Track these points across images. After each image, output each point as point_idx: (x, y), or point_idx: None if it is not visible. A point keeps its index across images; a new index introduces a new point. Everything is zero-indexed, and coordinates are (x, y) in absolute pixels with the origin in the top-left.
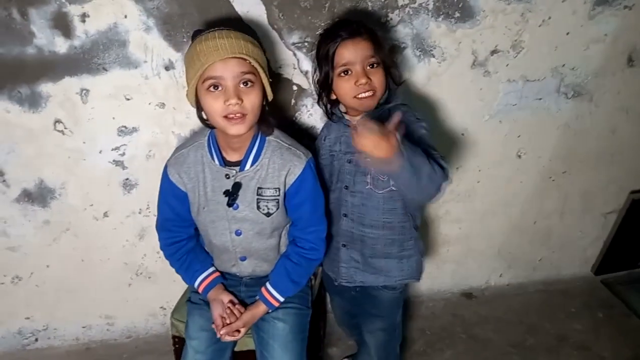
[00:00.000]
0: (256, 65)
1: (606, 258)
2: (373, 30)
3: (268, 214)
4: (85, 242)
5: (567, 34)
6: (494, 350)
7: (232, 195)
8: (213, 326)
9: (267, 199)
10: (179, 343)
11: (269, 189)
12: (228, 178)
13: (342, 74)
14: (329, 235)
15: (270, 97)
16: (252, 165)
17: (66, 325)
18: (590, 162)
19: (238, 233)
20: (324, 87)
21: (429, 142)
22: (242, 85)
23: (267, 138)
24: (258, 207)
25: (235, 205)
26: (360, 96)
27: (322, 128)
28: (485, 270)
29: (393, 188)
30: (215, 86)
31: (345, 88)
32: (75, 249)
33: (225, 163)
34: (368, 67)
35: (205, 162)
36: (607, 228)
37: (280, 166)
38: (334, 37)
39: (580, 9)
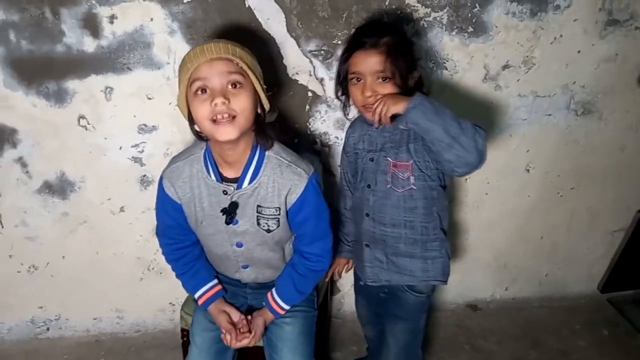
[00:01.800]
0: (244, 66)
1: (613, 276)
2: (397, 39)
3: (268, 231)
4: (101, 236)
5: (578, 52)
6: None
7: (229, 213)
8: (222, 336)
9: (267, 217)
10: (187, 336)
11: (268, 208)
12: (226, 194)
13: (354, 81)
14: (356, 234)
15: (267, 106)
16: (250, 182)
17: (78, 316)
18: (598, 179)
19: (239, 245)
20: (341, 85)
21: None
22: (230, 87)
23: (267, 153)
24: (258, 224)
25: (235, 220)
26: (367, 107)
27: (348, 127)
28: (491, 282)
29: (413, 187)
30: (203, 90)
31: (355, 95)
32: (90, 241)
33: (222, 179)
34: (378, 80)
35: (201, 177)
36: (614, 246)
37: (280, 185)
38: (355, 42)
39: (591, 28)
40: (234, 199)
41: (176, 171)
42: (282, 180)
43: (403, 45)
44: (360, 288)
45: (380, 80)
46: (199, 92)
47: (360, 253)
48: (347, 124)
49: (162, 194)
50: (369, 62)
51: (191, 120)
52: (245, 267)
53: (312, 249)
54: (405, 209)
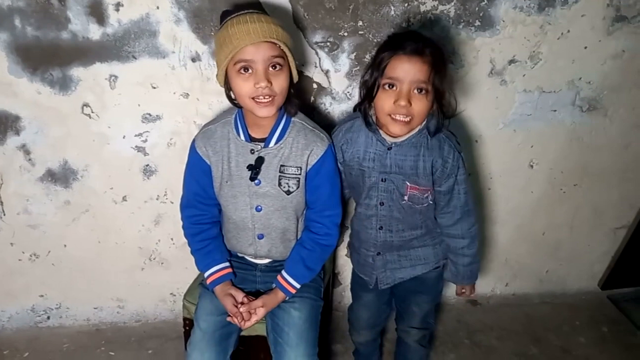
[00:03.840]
0: (285, 49)
1: (613, 274)
2: (441, 54)
3: (288, 192)
4: (103, 225)
5: (585, 48)
6: (497, 358)
7: (254, 169)
8: (228, 319)
9: (289, 177)
10: (189, 325)
11: (291, 167)
12: (253, 153)
13: (387, 87)
14: (361, 243)
15: (295, 79)
16: (276, 142)
17: (78, 305)
18: (602, 177)
19: (258, 209)
20: (368, 94)
21: (464, 212)
22: (271, 69)
23: (292, 119)
24: (279, 184)
25: (257, 181)
26: (395, 117)
27: (341, 133)
28: (492, 278)
29: (431, 202)
30: (246, 69)
31: (385, 102)
32: (92, 230)
33: (251, 139)
34: (415, 91)
35: (231, 137)
36: (615, 243)
37: (303, 146)
38: (396, 46)
39: (599, 24)
40: (260, 155)
41: (208, 132)
42: (305, 141)
43: (444, 63)
44: (365, 290)
45: (416, 91)
46: (242, 70)
47: (366, 261)
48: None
49: (193, 157)
50: (412, 69)
51: (227, 88)
52: (260, 237)
53: (322, 219)
54: (422, 215)
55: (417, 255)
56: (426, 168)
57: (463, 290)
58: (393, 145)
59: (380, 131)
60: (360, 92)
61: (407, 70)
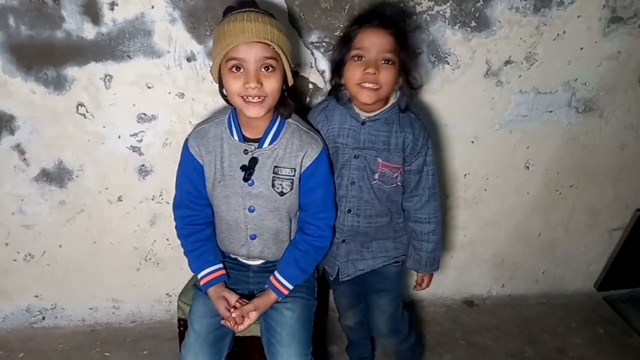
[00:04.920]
0: (279, 51)
1: (609, 275)
2: (403, 31)
3: (282, 193)
4: (98, 225)
5: (581, 49)
6: (493, 358)
7: (248, 169)
8: (222, 322)
9: (282, 178)
10: (184, 326)
11: (285, 168)
12: (246, 153)
13: (355, 58)
14: None
15: (290, 82)
16: (270, 143)
17: (74, 305)
18: (598, 178)
19: (251, 210)
20: (337, 68)
21: (431, 194)
22: (263, 70)
23: (287, 120)
24: (273, 185)
25: (251, 181)
26: (363, 84)
27: (317, 112)
28: (488, 279)
29: (399, 183)
30: (238, 67)
31: (354, 72)
32: (88, 230)
33: (244, 139)
34: (382, 62)
35: (224, 137)
36: (611, 244)
37: (298, 147)
38: (363, 21)
39: (595, 25)
40: (254, 156)
41: (202, 132)
42: (300, 142)
43: (407, 40)
44: (336, 283)
45: (383, 62)
46: (234, 69)
47: (331, 250)
48: None
49: (185, 155)
50: (378, 39)
51: (220, 84)
52: (253, 237)
53: (316, 221)
54: (390, 201)
55: (378, 247)
56: (398, 144)
57: (421, 282)
58: (367, 120)
59: (354, 106)
60: (331, 70)
61: (374, 41)
